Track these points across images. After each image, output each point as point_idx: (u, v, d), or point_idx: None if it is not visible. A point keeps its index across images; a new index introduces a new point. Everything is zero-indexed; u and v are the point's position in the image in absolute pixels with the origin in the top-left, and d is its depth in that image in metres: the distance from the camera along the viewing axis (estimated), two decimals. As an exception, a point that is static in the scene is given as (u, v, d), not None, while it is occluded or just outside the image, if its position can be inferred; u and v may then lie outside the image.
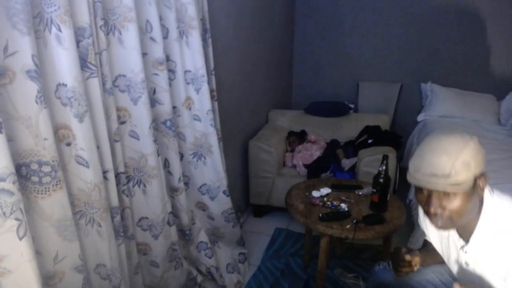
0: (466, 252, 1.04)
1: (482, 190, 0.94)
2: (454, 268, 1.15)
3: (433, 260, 1.26)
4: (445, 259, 1.20)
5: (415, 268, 1.14)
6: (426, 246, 1.30)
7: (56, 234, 1.08)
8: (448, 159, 0.88)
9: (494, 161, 2.31)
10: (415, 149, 0.99)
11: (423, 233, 1.33)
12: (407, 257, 1.12)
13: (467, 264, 1.06)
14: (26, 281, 0.93)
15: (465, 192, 0.90)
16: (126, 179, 1.44)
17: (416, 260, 1.13)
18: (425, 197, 0.96)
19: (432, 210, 0.94)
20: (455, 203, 0.91)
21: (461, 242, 1.06)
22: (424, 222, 1.24)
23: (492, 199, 0.96)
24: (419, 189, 0.97)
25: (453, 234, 1.07)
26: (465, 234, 1.03)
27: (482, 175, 0.92)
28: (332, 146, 2.81)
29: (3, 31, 0.90)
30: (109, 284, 1.30)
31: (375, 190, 1.79)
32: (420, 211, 1.23)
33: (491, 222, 0.96)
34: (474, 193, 0.92)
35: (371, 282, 1.46)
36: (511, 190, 1.95)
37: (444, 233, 1.11)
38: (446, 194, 0.91)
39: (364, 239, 1.66)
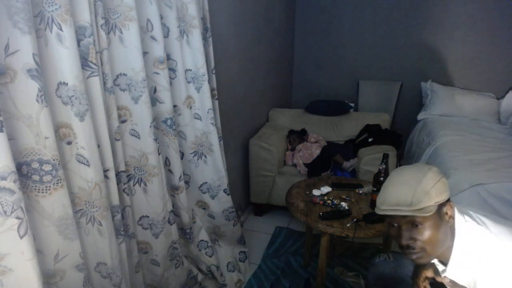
0: (445, 277, 1.06)
1: (451, 217, 0.97)
2: None
3: None
4: None
5: None
6: None
7: (57, 232, 1.09)
8: (408, 189, 0.94)
9: (494, 160, 2.31)
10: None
11: None
12: (439, 278, 1.11)
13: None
14: (26, 280, 0.93)
15: (432, 221, 0.94)
16: (126, 177, 1.44)
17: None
18: (396, 231, 1.00)
19: (403, 242, 0.98)
20: (425, 234, 0.94)
21: (441, 267, 1.08)
22: None
23: (464, 223, 0.98)
24: (390, 225, 1.01)
25: (435, 260, 1.09)
26: (444, 260, 1.05)
27: (447, 202, 0.96)
28: (329, 152, 2.74)
29: (4, 30, 0.90)
30: (109, 282, 1.30)
31: (375, 189, 1.79)
32: None
33: (465, 247, 0.98)
34: (442, 221, 0.96)
35: (371, 273, 1.49)
36: (511, 189, 1.97)
37: None
38: (414, 225, 0.95)
39: (365, 238, 1.66)
